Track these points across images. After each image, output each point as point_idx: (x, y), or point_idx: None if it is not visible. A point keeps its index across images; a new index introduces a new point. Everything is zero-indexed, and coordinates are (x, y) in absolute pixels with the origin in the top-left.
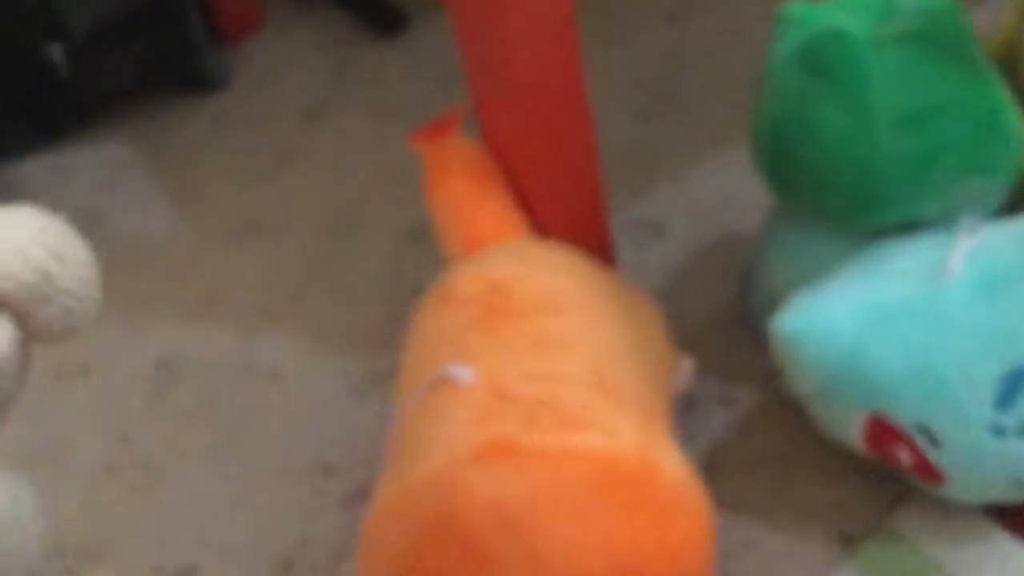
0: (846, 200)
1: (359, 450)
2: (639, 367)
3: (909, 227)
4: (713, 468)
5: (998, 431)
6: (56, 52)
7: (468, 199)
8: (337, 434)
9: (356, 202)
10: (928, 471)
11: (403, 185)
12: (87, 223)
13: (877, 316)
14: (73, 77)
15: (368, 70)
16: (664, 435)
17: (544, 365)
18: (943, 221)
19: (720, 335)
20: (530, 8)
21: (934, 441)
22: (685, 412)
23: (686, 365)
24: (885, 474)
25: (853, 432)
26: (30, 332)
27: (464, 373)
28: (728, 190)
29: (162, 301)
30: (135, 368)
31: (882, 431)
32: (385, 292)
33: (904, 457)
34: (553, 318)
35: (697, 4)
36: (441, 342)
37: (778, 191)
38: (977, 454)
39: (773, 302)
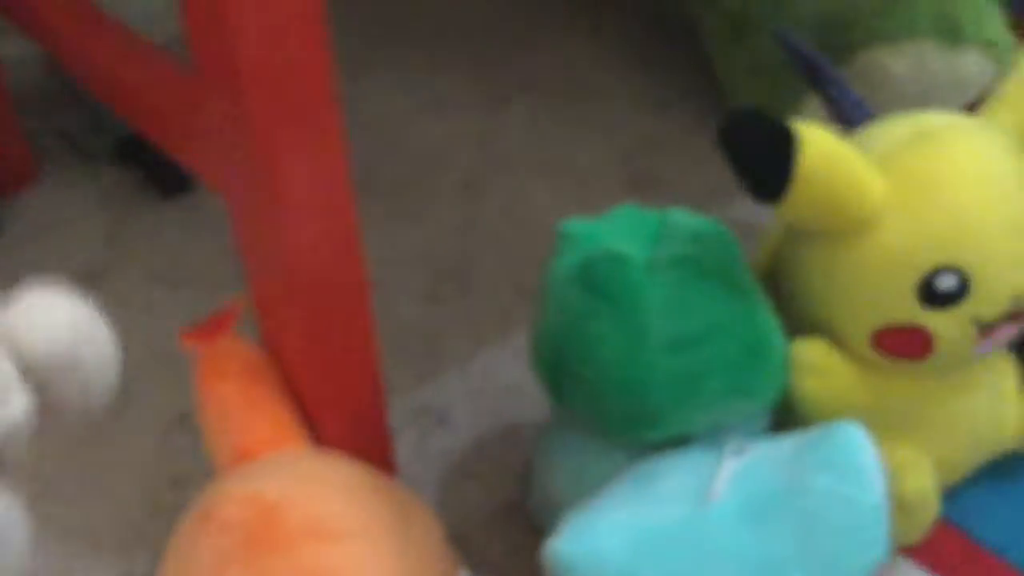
0: (619, 416)
1: None
2: None
3: (680, 442)
4: None
5: None
6: None
7: (241, 405)
8: None
9: (123, 376)
10: None
11: (176, 363)
12: None
13: (647, 541)
14: None
15: (147, 233)
16: None
17: None
18: (713, 437)
19: (502, 536)
20: (307, 197)
21: None
22: None
23: None
24: None
25: None
26: (45, 404)
27: None
28: (512, 379)
29: None
30: None
31: None
32: (147, 483)
33: None
34: (328, 545)
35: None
36: None
37: (556, 399)
38: None
39: (552, 508)
